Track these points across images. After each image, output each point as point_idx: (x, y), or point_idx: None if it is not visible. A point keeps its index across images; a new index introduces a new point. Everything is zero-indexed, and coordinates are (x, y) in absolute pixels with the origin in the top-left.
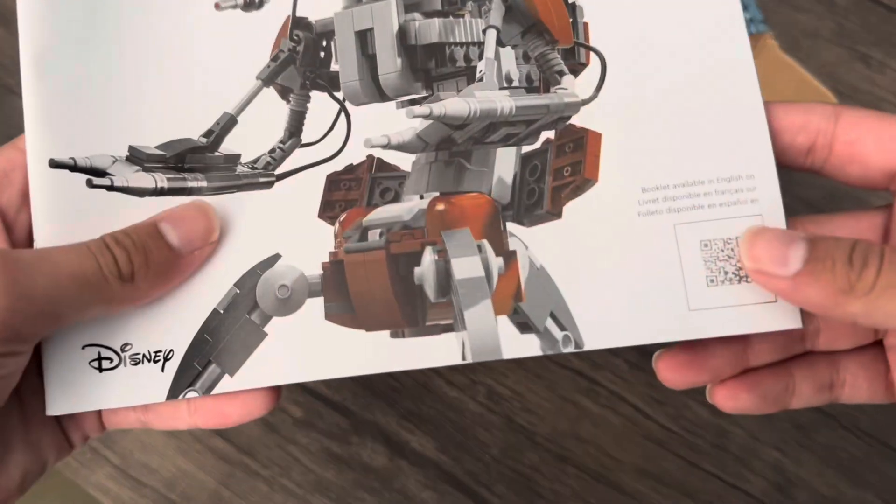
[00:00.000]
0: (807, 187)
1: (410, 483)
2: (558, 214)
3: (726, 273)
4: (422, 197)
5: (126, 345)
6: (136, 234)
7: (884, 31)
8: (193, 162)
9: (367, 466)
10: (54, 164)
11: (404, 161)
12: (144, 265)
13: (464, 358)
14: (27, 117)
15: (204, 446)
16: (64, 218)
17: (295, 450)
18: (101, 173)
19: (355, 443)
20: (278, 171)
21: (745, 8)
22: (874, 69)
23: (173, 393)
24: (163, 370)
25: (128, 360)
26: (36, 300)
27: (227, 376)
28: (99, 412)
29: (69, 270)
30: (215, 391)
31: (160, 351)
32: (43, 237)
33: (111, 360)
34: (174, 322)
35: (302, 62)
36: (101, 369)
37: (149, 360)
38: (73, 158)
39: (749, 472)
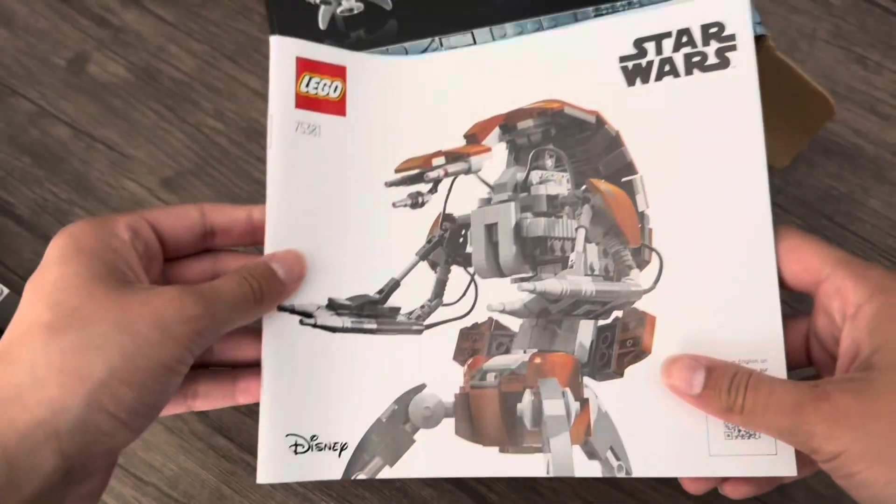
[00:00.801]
0: (803, 188)
1: (410, 481)
2: (621, 374)
3: (739, 431)
4: (525, 352)
5: (314, 436)
6: (258, 270)
7: (881, 32)
8: (369, 310)
9: None
10: (280, 309)
11: (514, 323)
12: (270, 291)
13: (547, 472)
14: None
15: (206, 444)
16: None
17: None
18: (309, 315)
19: None
20: (426, 322)
21: None
22: (871, 70)
23: (347, 473)
24: (339, 456)
25: (314, 447)
26: (217, 320)
27: (387, 466)
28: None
29: (235, 300)
30: (378, 476)
31: (338, 442)
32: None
33: (303, 446)
34: (350, 423)
35: (447, 245)
36: (296, 452)
37: (330, 449)
38: (291, 304)
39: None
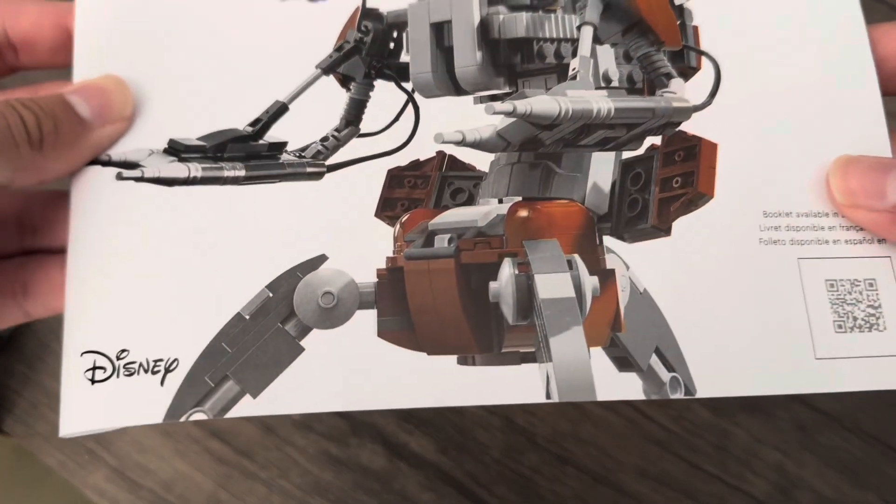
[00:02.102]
0: None
1: (410, 484)
2: (667, 231)
3: (855, 319)
4: (501, 201)
5: (122, 351)
6: (45, 101)
7: None
8: (234, 151)
9: (366, 468)
10: (92, 162)
11: (481, 161)
12: (53, 132)
13: (548, 396)
14: None
15: (202, 448)
16: (101, 218)
17: (293, 451)
18: (132, 165)
19: (354, 444)
20: (330, 161)
21: None
22: None
23: (173, 413)
24: (162, 384)
25: (121, 371)
26: None
27: (247, 397)
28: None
29: None
30: (230, 414)
31: (161, 360)
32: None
33: (104, 369)
34: (183, 325)
35: (368, 52)
36: (93, 381)
37: (145, 371)
38: (108, 154)
39: (750, 474)
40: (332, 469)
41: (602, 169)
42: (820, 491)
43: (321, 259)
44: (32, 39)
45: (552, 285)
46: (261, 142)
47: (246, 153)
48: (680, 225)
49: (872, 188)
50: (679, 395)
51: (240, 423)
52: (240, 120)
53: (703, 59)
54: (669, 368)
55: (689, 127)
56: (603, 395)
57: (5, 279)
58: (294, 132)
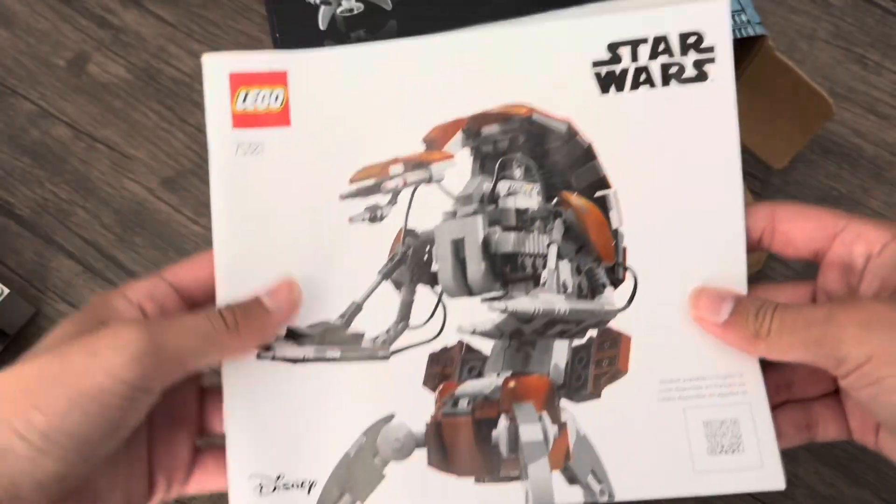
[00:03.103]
0: (803, 188)
1: None
2: (598, 395)
3: (722, 446)
4: (498, 375)
5: (280, 475)
6: (242, 301)
7: (880, 32)
8: (332, 337)
9: None
10: None
11: (486, 346)
12: (246, 319)
13: (526, 501)
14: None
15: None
16: (248, 387)
17: None
18: (266, 347)
19: None
20: (392, 347)
21: (743, 10)
22: (870, 70)
23: None
24: (308, 494)
25: (281, 487)
26: (166, 350)
27: (358, 502)
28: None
29: (193, 328)
30: None
31: (305, 480)
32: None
33: (269, 486)
34: (317, 459)
35: (411, 263)
36: (261, 492)
37: (297, 487)
38: None
39: None
40: None
41: (560, 353)
42: (816, 488)
43: (391, 416)
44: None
45: (529, 432)
46: (347, 332)
47: (338, 340)
48: (607, 391)
49: (712, 309)
50: (605, 499)
51: None
52: (332, 314)
53: (628, 272)
54: (599, 482)
55: (614, 323)
56: (559, 500)
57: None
58: (367, 324)
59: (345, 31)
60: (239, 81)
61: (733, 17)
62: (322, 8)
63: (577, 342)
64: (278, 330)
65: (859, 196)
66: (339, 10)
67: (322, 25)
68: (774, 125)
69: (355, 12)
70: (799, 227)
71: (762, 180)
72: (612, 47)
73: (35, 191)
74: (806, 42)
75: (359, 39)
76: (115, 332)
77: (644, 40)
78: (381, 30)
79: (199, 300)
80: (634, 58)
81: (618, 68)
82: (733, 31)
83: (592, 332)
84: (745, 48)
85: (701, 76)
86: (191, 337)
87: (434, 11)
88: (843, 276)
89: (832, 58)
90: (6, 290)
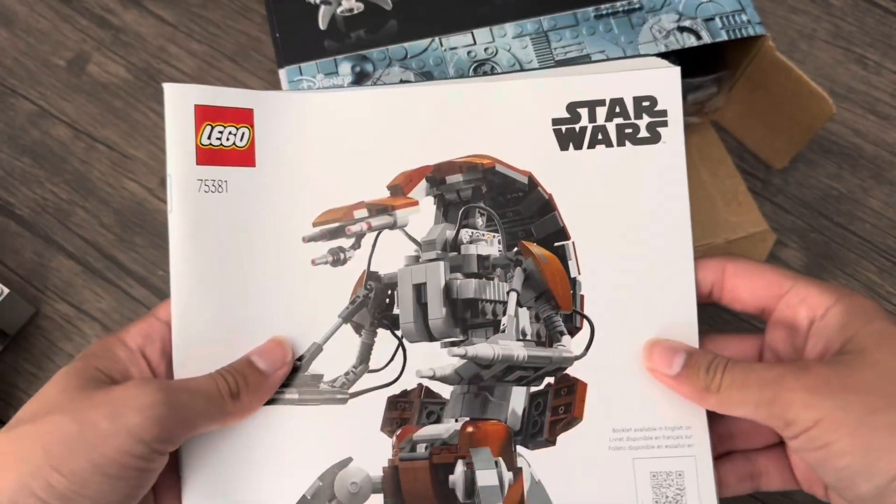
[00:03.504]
0: (803, 189)
1: None
2: (553, 442)
3: (667, 497)
4: (456, 420)
5: None
6: (237, 365)
7: (880, 32)
8: (290, 379)
9: None
10: None
11: (445, 390)
12: (246, 385)
13: None
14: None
15: None
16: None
17: None
18: None
19: None
20: (351, 390)
21: (743, 10)
22: (870, 70)
23: None
24: None
25: None
26: (181, 412)
27: None
28: None
29: (202, 391)
30: None
31: None
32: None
33: None
34: (272, 502)
35: (372, 306)
36: None
37: None
38: None
39: None
40: None
41: (518, 399)
42: None
43: (348, 460)
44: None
45: (485, 477)
46: (307, 373)
47: (297, 382)
48: (562, 438)
49: (664, 362)
50: None
51: None
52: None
53: (584, 320)
54: None
55: (571, 370)
56: None
57: None
58: (326, 366)
59: (345, 31)
60: (204, 115)
61: (733, 17)
62: (322, 8)
63: (534, 388)
64: (272, 392)
65: (859, 196)
66: (339, 10)
67: (322, 25)
68: (774, 125)
69: (355, 12)
70: (746, 285)
71: (762, 180)
72: (572, 107)
73: (35, 191)
74: (806, 42)
75: (359, 39)
76: (136, 392)
77: (601, 102)
78: (381, 30)
79: None
80: (592, 118)
81: (576, 126)
82: (733, 30)
83: (550, 379)
84: (745, 48)
85: (654, 137)
86: (201, 400)
87: (434, 12)
88: (789, 335)
89: (832, 58)
90: (6, 290)
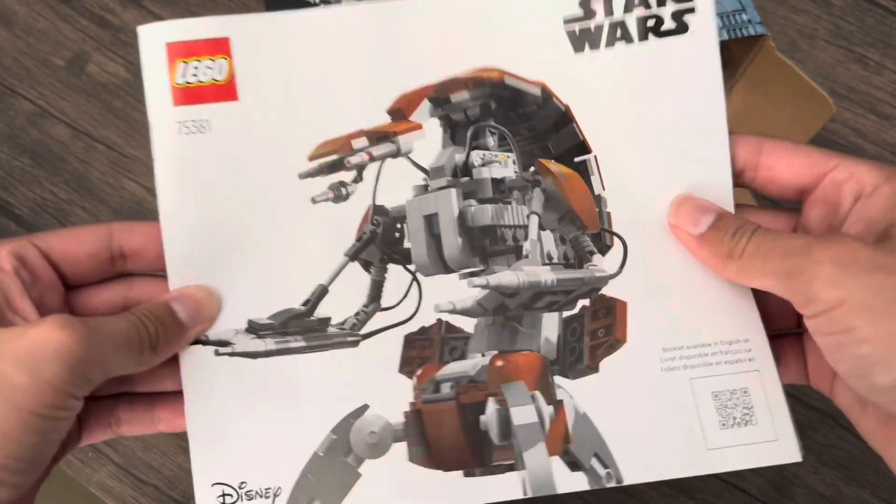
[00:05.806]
0: None
1: None
2: (596, 369)
3: (734, 418)
4: (483, 355)
5: (242, 483)
6: (157, 311)
7: (881, 32)
8: (295, 326)
9: None
10: (193, 342)
11: (468, 324)
12: (166, 338)
13: (524, 493)
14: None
15: None
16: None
17: None
18: (224, 343)
19: None
20: (363, 331)
21: (743, 9)
22: (871, 70)
23: None
24: (273, 502)
25: (244, 497)
26: (99, 357)
27: None
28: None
29: (122, 338)
30: None
31: (270, 488)
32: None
33: (231, 496)
34: (282, 462)
35: (381, 241)
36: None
37: (261, 497)
38: (206, 335)
39: (747, 471)
40: None
41: (550, 326)
42: (815, 488)
43: (364, 408)
44: (141, 252)
45: (522, 415)
46: (312, 318)
47: (303, 328)
48: (605, 364)
49: (691, 219)
50: (613, 484)
51: None
52: (295, 300)
53: (615, 238)
54: (604, 466)
55: (607, 290)
56: (561, 489)
57: (102, 415)
58: (334, 308)
59: None
60: (176, 52)
61: (733, 16)
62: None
63: (567, 313)
64: (187, 344)
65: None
66: None
67: None
68: (774, 125)
69: None
70: (786, 163)
71: None
72: (585, 2)
73: (34, 191)
74: (806, 42)
75: None
76: (52, 339)
77: None
78: None
79: (69, 275)
80: (609, 12)
81: (591, 24)
82: (733, 30)
83: (584, 302)
84: (745, 48)
85: (680, 28)
86: (120, 346)
87: None
88: (828, 214)
89: (833, 57)
90: None
